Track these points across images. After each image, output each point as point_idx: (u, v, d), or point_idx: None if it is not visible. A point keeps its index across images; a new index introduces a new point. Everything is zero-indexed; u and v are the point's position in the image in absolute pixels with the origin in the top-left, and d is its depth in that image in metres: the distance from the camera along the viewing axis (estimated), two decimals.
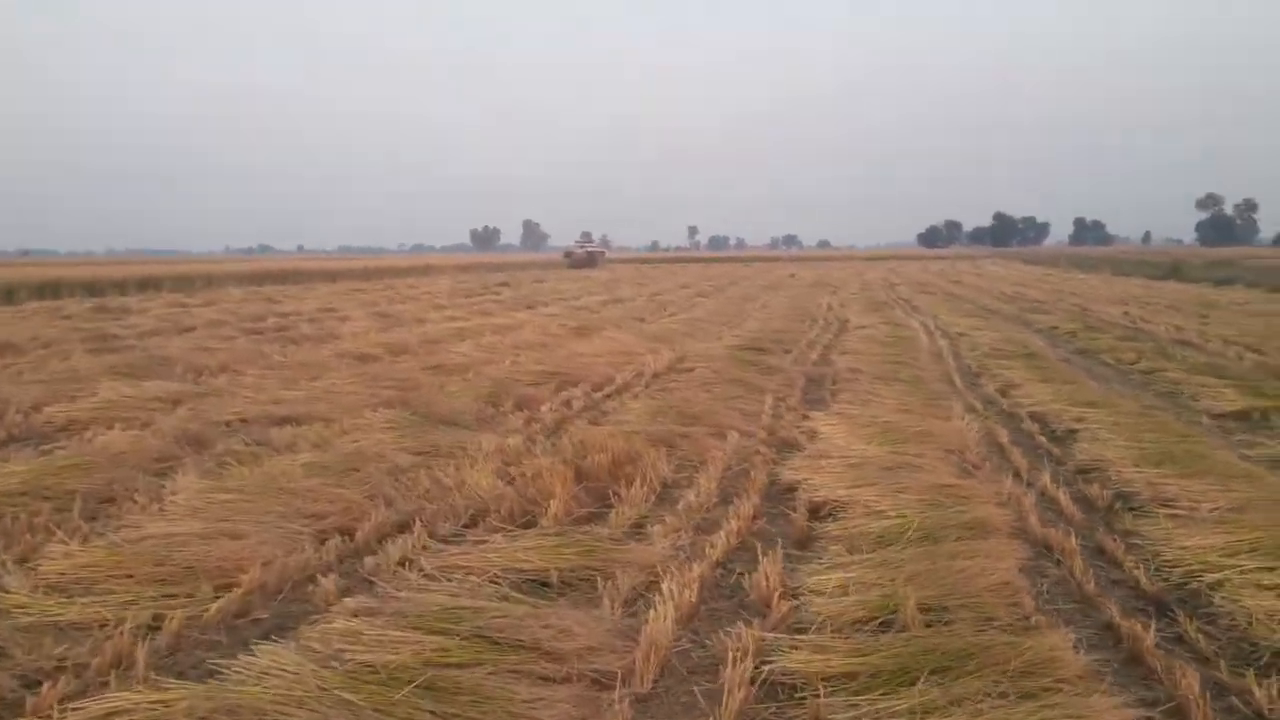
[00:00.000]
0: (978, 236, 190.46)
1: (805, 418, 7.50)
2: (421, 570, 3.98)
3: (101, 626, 3.63)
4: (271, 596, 3.98)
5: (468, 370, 10.51)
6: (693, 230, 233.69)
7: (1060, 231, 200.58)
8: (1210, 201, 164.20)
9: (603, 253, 69.55)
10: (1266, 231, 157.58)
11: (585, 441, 6.05)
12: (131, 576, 4.00)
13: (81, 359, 11.56)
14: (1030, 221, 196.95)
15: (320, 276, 38.32)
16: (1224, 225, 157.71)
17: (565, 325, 15.97)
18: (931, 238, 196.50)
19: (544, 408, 8.29)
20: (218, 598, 3.89)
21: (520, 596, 3.77)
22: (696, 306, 21.39)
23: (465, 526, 4.80)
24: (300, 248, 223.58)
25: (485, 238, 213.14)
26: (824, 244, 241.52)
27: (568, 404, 8.57)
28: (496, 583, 3.87)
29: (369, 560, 4.29)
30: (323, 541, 4.58)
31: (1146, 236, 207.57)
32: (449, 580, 3.86)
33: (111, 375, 10.20)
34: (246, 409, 7.99)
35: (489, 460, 5.93)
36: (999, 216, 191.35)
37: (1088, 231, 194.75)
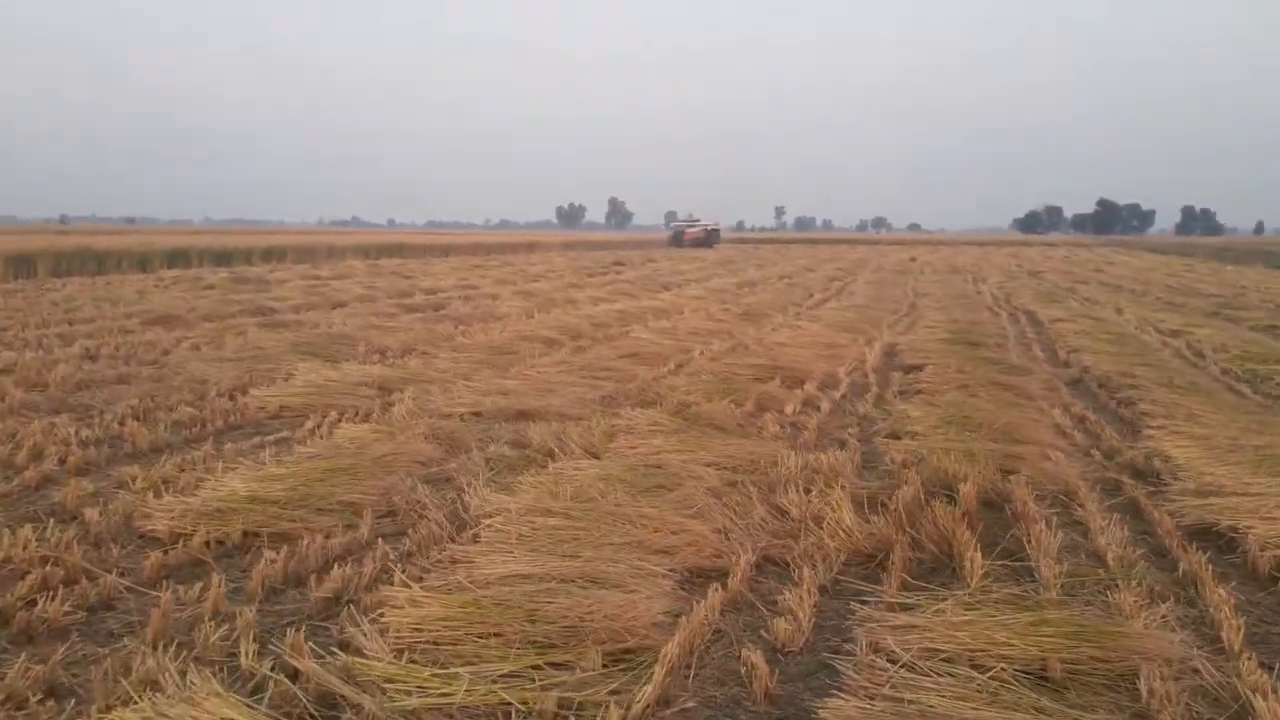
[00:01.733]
0: (1079, 223, 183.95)
1: (1138, 435, 6.42)
2: (891, 655, 3.05)
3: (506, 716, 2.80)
4: (679, 673, 3.11)
5: (667, 360, 9.63)
6: (779, 211, 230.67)
7: (1165, 220, 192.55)
8: None
9: (718, 232, 66.38)
10: None
11: (928, 463, 5.09)
12: (500, 636, 3.17)
13: (257, 334, 11.01)
14: (1134, 209, 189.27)
15: (433, 251, 38.04)
16: None
17: (727, 310, 15.02)
18: (1031, 223, 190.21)
19: (788, 409, 7.35)
20: (617, 670, 3.03)
21: (1033, 698, 2.83)
22: (844, 292, 20.22)
23: (865, 578, 3.86)
24: (391, 222, 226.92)
25: (571, 215, 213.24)
26: (914, 227, 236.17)
27: (813, 405, 7.61)
28: (998, 679, 2.92)
29: (781, 625, 3.38)
30: (695, 588, 3.71)
31: (1259, 227, 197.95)
32: (944, 676, 2.92)
33: (296, 353, 9.60)
34: (471, 400, 7.21)
35: (812, 481, 5.00)
36: (1103, 203, 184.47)
37: (1196, 220, 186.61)
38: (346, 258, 31.86)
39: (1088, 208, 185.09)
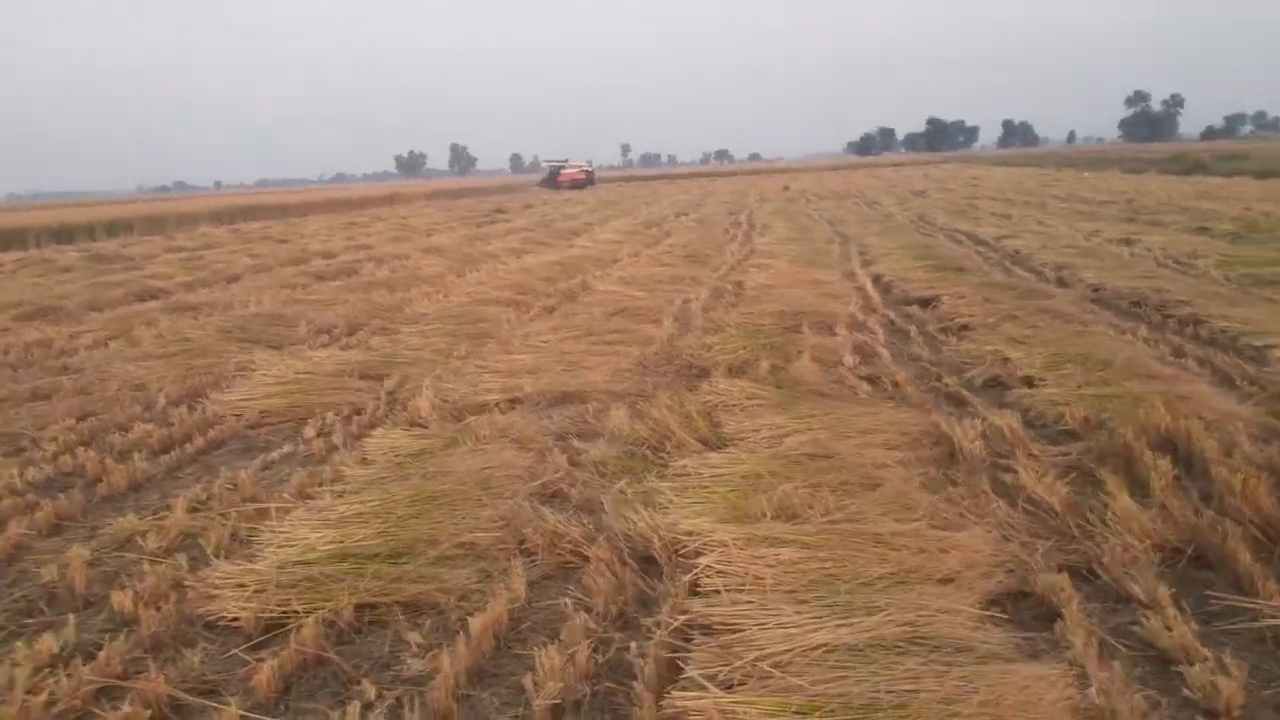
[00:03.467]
0: (911, 143, 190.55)
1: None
2: None
3: None
4: None
5: (662, 315, 8.70)
6: (625, 149, 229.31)
7: (988, 135, 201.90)
8: (1138, 98, 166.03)
9: (592, 172, 61.49)
10: (1187, 128, 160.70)
11: (1133, 417, 4.38)
12: None
13: (171, 322, 9.41)
14: (959, 125, 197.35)
15: (290, 211, 35.39)
16: (1153, 121, 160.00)
17: (668, 253, 14.10)
18: (866, 145, 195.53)
19: (847, 360, 6.56)
20: None
21: None
22: (763, 227, 19.59)
23: (1200, 582, 3.10)
24: (218, 184, 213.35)
25: (411, 164, 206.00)
26: (755, 156, 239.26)
27: (868, 353, 6.84)
28: None
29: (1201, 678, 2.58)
30: (1022, 625, 2.87)
31: (1071, 136, 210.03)
32: None
33: (231, 342, 8.19)
34: (498, 385, 6.09)
35: (1005, 454, 4.22)
36: (932, 121, 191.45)
37: (1015, 134, 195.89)
38: (200, 225, 29.13)
39: (917, 127, 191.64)
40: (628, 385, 6.04)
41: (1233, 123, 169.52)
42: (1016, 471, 3.97)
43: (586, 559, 3.46)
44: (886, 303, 9.00)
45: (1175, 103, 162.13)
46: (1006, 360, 5.99)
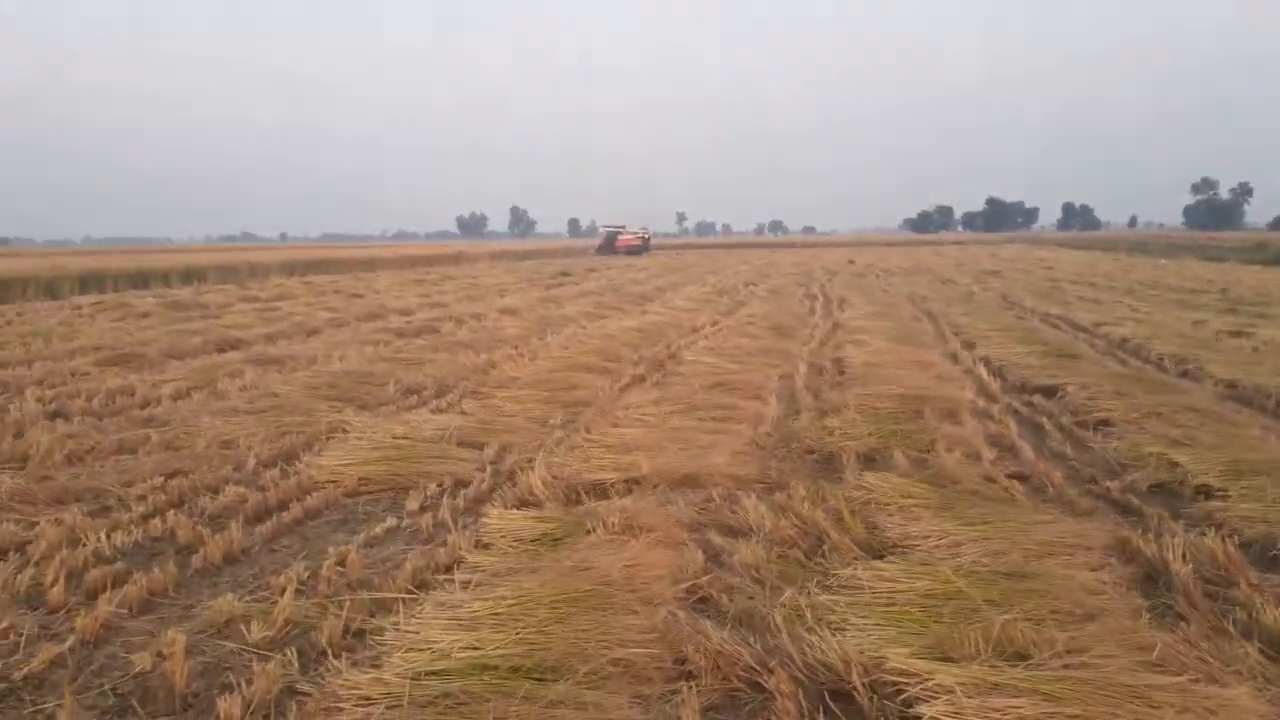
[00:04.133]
0: (969, 222, 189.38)
1: None
2: None
3: None
4: None
5: (764, 391, 8.22)
6: (681, 216, 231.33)
7: (1047, 216, 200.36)
8: (1205, 185, 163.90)
9: (649, 238, 63.46)
10: (1254, 217, 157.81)
11: None
12: None
13: (256, 375, 9.15)
14: (1018, 206, 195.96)
15: (358, 266, 35.71)
16: (1220, 209, 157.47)
17: (751, 324, 13.67)
18: (923, 223, 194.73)
19: (985, 455, 6.01)
20: None
21: None
22: (840, 301, 19.11)
23: None
24: (284, 236, 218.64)
25: (472, 224, 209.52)
26: (809, 229, 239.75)
27: (1004, 447, 6.29)
28: None
29: None
30: None
31: (1133, 221, 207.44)
32: None
33: (320, 399, 7.88)
34: (611, 462, 5.64)
35: (1225, 581, 3.65)
36: (991, 201, 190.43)
37: (1076, 217, 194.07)
38: (271, 275, 29.44)
39: (975, 206, 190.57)
40: (750, 470, 5.55)
41: None
42: (1248, 606, 3.40)
43: (764, 690, 2.95)
44: (1005, 389, 8.43)
45: (1243, 191, 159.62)
46: (1175, 465, 5.40)
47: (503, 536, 4.38)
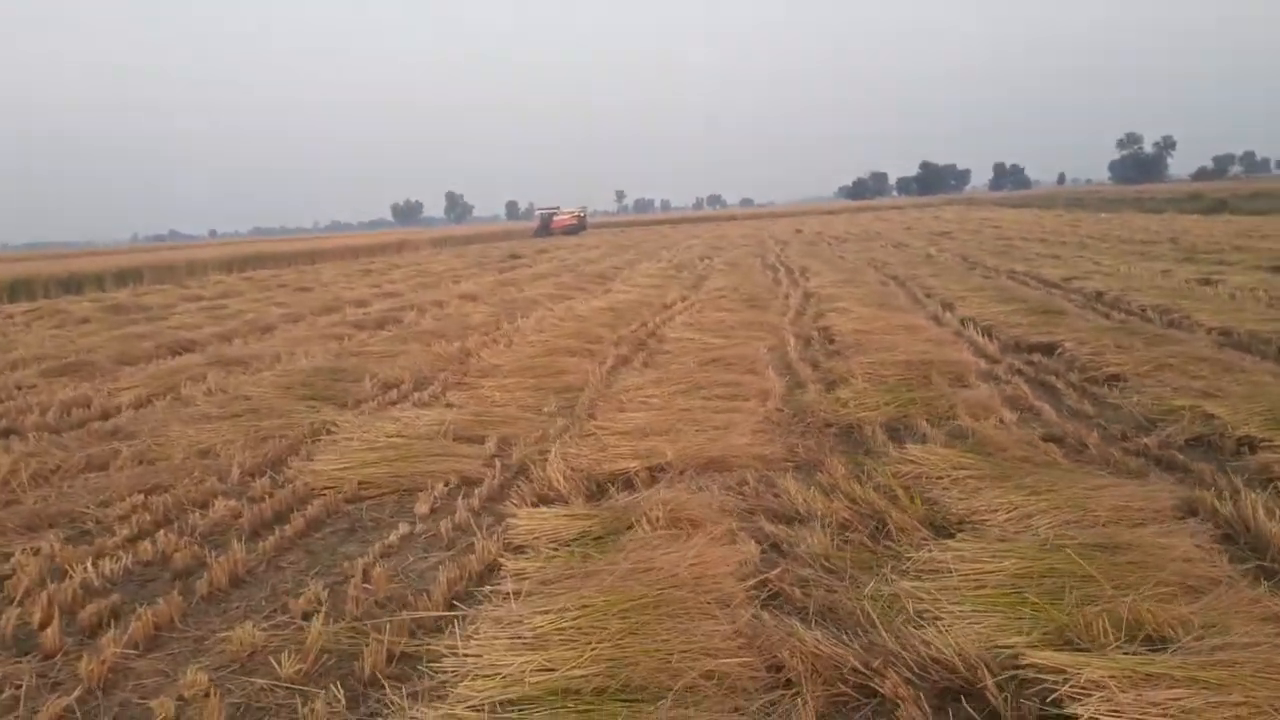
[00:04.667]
0: (904, 186, 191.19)
1: None
2: None
3: None
4: None
5: (760, 366, 7.96)
6: (620, 195, 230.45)
7: (979, 178, 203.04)
8: (1130, 140, 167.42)
9: (585, 218, 63.81)
10: (1176, 169, 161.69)
11: None
12: None
13: (219, 378, 8.63)
14: (951, 169, 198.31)
15: (298, 259, 34.73)
16: (1145, 163, 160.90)
17: (725, 298, 13.40)
18: (858, 190, 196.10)
19: (1006, 415, 5.82)
20: None
21: None
22: (802, 271, 18.95)
23: None
24: (213, 232, 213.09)
25: (407, 211, 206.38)
26: (747, 201, 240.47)
27: (1026, 409, 6.10)
28: None
29: None
30: None
31: (1061, 178, 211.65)
32: None
33: (295, 399, 7.46)
34: (628, 450, 5.32)
35: None
36: (925, 165, 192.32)
37: (1007, 176, 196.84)
38: (210, 273, 28.44)
39: (909, 171, 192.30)
40: (776, 449, 5.28)
41: (1221, 163, 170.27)
42: None
43: (876, 694, 2.67)
44: (1002, 350, 8.27)
45: (1166, 144, 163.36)
46: (1210, 417, 5.24)
47: (536, 538, 4.04)
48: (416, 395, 7.75)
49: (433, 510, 4.84)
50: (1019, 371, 7.34)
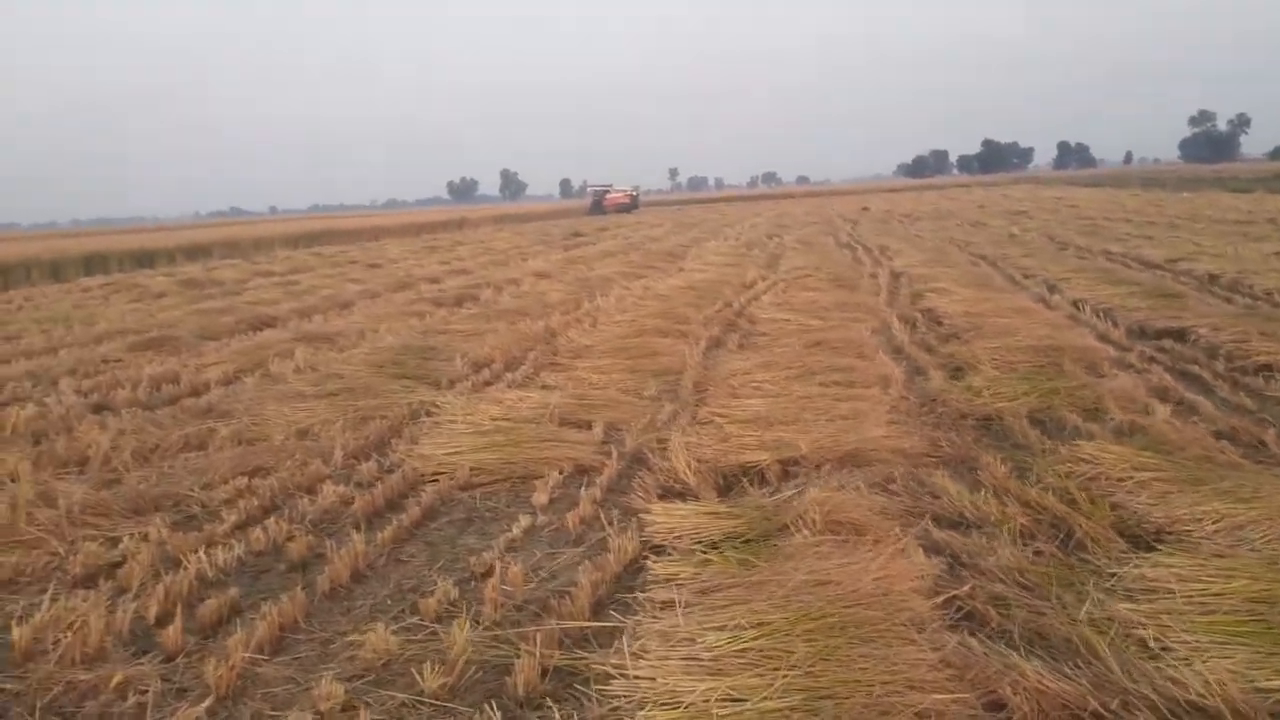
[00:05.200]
0: (965, 165, 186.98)
1: None
2: None
3: None
4: None
5: (866, 350, 7.53)
6: (673, 172, 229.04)
7: (1043, 157, 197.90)
8: (1203, 118, 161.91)
9: (637, 196, 63.32)
10: (1249, 149, 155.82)
11: None
12: None
13: (308, 354, 8.45)
14: (1013, 147, 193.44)
15: (362, 235, 34.82)
16: (1217, 141, 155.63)
17: (809, 277, 12.95)
18: (919, 168, 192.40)
19: (1160, 411, 5.35)
20: None
21: None
22: (885, 250, 18.38)
23: None
24: (273, 209, 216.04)
25: (463, 189, 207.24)
26: (803, 179, 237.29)
27: (1182, 403, 5.62)
28: None
29: None
30: None
31: (1128, 157, 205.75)
32: None
33: (388, 378, 7.21)
34: (754, 439, 4.97)
35: None
36: (987, 143, 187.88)
37: (1071, 155, 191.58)
38: (276, 248, 28.61)
39: (970, 149, 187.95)
40: (915, 442, 4.89)
41: None
42: None
43: None
44: (1129, 336, 7.74)
45: (1241, 122, 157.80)
46: None
47: (677, 537, 3.72)
48: (509, 376, 7.48)
49: (552, 500, 4.55)
50: (1152, 359, 6.84)
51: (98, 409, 6.96)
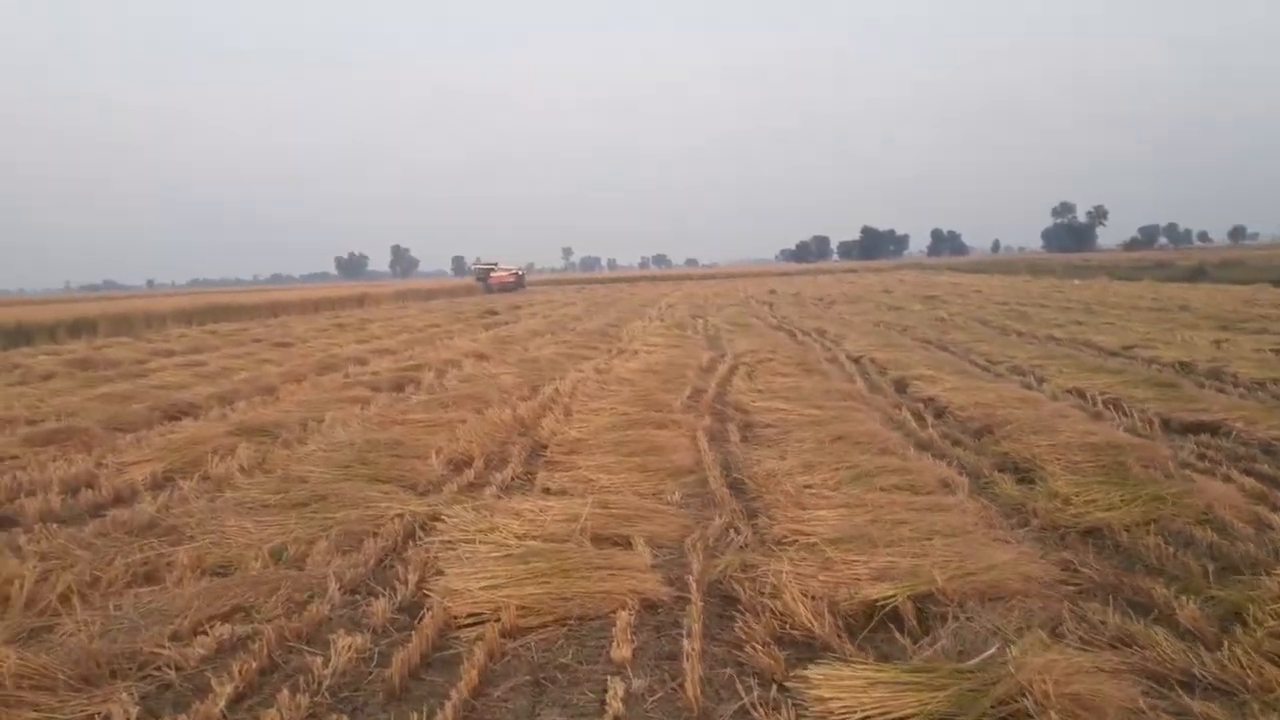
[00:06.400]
0: (845, 250, 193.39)
1: None
2: None
3: None
4: None
5: (890, 444, 6.89)
6: (567, 252, 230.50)
7: (917, 244, 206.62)
8: (1064, 209, 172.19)
9: (523, 275, 63.31)
10: (1105, 239, 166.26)
11: None
12: None
13: (249, 450, 7.28)
14: (890, 234, 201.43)
15: (259, 311, 32.99)
16: (1078, 231, 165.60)
17: (773, 361, 12.36)
18: (801, 253, 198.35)
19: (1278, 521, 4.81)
20: None
21: None
22: (823, 335, 18.04)
23: None
24: (150, 283, 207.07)
25: (351, 265, 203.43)
26: (691, 262, 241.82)
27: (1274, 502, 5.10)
28: None
29: None
30: None
31: (996, 245, 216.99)
32: None
33: (359, 481, 6.13)
34: (856, 565, 4.17)
35: None
36: (866, 230, 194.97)
37: (944, 242, 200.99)
38: (167, 325, 26.69)
39: (849, 235, 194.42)
40: (1042, 567, 4.17)
41: (1148, 234, 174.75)
42: None
43: None
44: (1167, 432, 7.29)
45: (1099, 214, 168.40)
46: None
47: (853, 715, 2.86)
48: (497, 477, 6.52)
49: (637, 654, 3.63)
50: (1206, 457, 6.36)
51: (1, 524, 5.69)
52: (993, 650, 3.14)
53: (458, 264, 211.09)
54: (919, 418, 8.14)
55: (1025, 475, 5.81)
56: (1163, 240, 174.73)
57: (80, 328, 22.99)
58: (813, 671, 3.10)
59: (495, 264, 62.05)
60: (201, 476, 6.65)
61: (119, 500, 6.24)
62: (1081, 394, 8.96)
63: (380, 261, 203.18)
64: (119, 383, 12.32)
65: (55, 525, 5.52)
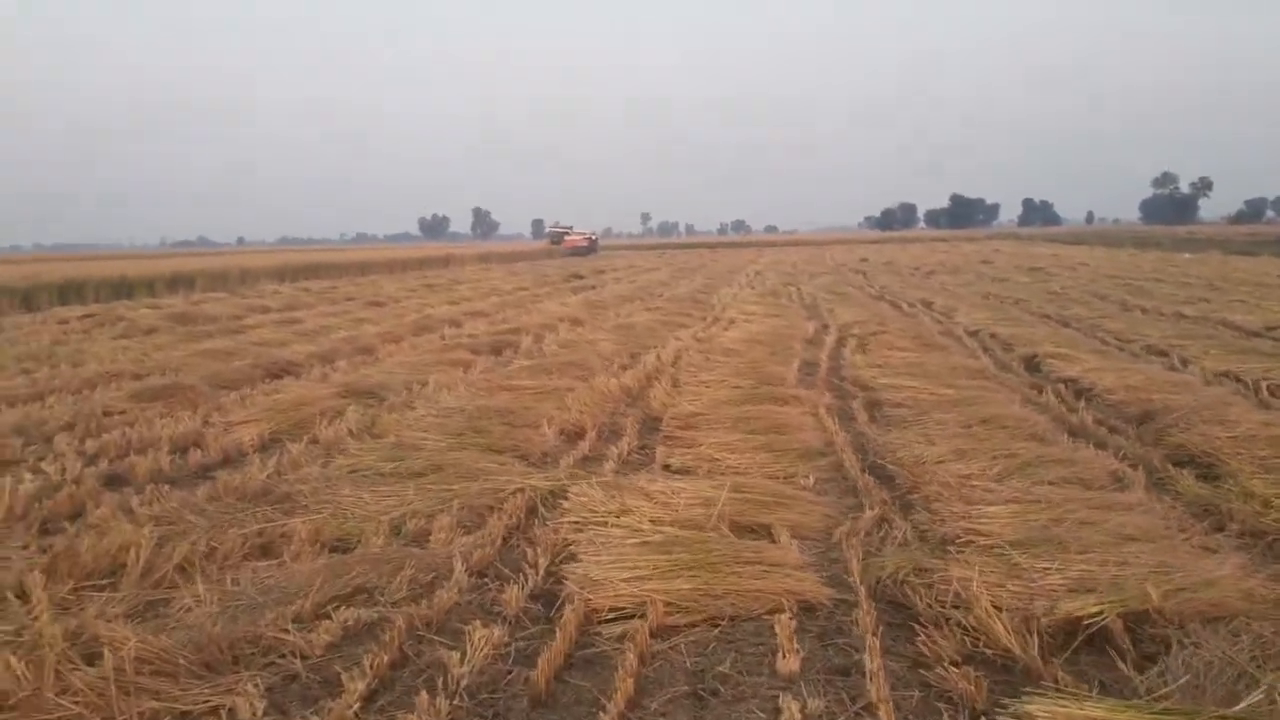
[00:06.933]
0: (933, 219, 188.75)
1: None
2: None
3: None
4: None
5: (1038, 428, 6.31)
6: (645, 217, 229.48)
7: (1007, 213, 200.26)
8: (1166, 180, 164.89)
9: (597, 240, 63.42)
10: (1207, 212, 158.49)
11: None
12: None
13: (357, 414, 7.04)
14: (980, 203, 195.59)
15: (349, 270, 33.31)
16: (1180, 204, 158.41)
17: (886, 339, 11.76)
18: (887, 220, 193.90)
19: None
20: None
21: None
22: (919, 307, 17.29)
23: None
24: (241, 240, 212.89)
25: (434, 226, 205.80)
26: (771, 228, 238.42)
27: None
28: None
29: None
30: None
31: (1090, 216, 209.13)
32: None
33: (475, 451, 5.81)
34: (1045, 570, 3.67)
35: None
36: (955, 198, 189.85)
37: (1036, 212, 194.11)
38: (261, 281, 27.03)
39: (937, 203, 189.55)
40: (1257, 578, 3.62)
41: (1255, 206, 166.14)
42: None
43: None
44: None
45: (1204, 185, 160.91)
46: None
47: None
48: (613, 450, 6.15)
49: (805, 667, 3.21)
50: None
51: (111, 482, 5.54)
52: (1259, 695, 2.63)
53: (537, 227, 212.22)
54: (1064, 401, 7.52)
55: (1206, 471, 5.21)
56: (1270, 214, 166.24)
57: (178, 282, 23.37)
58: (1035, 707, 2.64)
59: (570, 228, 62.91)
60: (310, 440, 6.43)
61: (227, 461, 6.06)
62: (1237, 379, 8.21)
63: (461, 224, 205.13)
64: (219, 338, 12.33)
65: (166, 487, 5.33)
